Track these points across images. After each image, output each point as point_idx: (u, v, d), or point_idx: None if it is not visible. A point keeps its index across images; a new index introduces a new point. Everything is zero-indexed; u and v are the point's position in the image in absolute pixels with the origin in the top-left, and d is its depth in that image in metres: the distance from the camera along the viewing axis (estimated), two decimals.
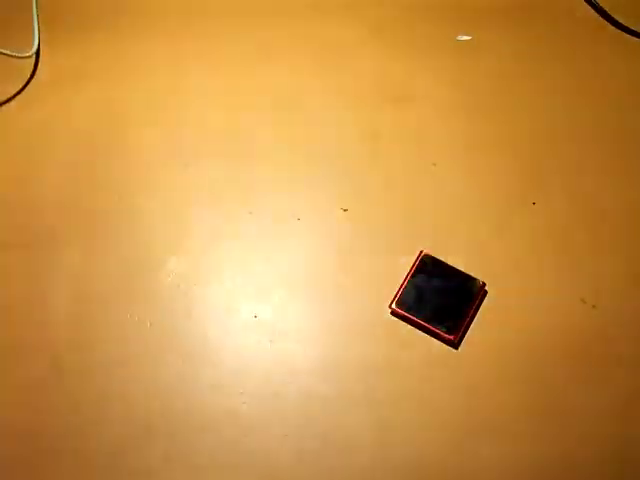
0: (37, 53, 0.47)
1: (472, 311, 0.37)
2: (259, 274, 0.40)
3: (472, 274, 0.38)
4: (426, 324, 0.36)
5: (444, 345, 0.37)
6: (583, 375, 0.37)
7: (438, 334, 0.36)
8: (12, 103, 0.46)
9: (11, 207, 0.42)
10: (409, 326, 0.38)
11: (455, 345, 0.37)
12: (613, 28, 0.48)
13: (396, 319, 0.38)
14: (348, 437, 0.35)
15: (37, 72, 0.47)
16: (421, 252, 0.38)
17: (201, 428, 0.36)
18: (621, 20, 0.48)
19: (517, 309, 0.38)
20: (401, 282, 0.38)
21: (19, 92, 0.46)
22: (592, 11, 0.49)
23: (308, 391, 0.35)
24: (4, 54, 0.45)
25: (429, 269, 0.38)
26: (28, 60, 0.47)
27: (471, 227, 0.41)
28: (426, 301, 0.37)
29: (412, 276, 0.37)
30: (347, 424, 0.36)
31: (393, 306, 0.37)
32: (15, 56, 0.45)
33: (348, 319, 0.38)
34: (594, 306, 0.38)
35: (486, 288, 0.38)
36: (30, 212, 0.42)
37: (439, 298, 0.37)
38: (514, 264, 0.40)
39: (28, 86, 0.47)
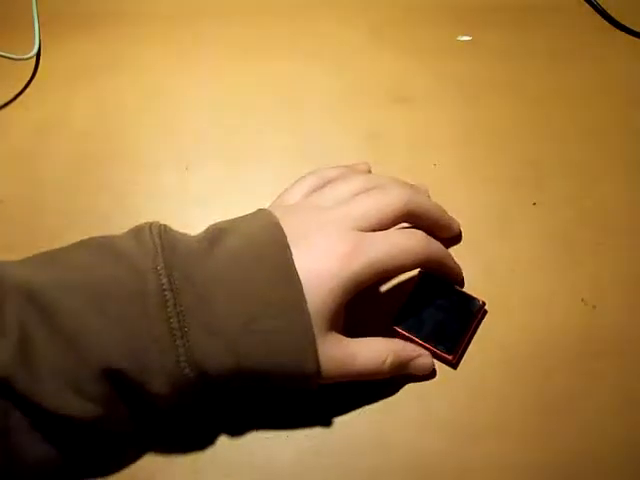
0: (37, 55, 0.47)
1: (471, 332, 0.37)
2: None
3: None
4: (425, 344, 0.36)
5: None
6: (583, 375, 0.37)
7: (437, 354, 0.36)
8: (12, 105, 0.46)
9: (11, 209, 0.43)
10: None
11: (454, 365, 0.37)
12: (613, 28, 0.48)
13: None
14: (348, 437, 0.35)
15: (37, 74, 0.47)
16: (421, 271, 0.37)
17: (201, 428, 0.36)
18: (621, 20, 0.48)
19: (517, 309, 0.38)
20: (402, 299, 0.37)
21: (19, 94, 0.47)
22: (592, 11, 0.49)
23: (308, 391, 0.35)
24: (4, 57, 0.45)
25: (428, 288, 0.37)
26: (28, 62, 0.47)
27: (471, 227, 0.41)
28: (426, 320, 0.36)
29: (411, 294, 0.37)
30: (347, 424, 0.36)
31: (394, 326, 0.36)
32: (15, 58, 0.46)
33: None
34: (594, 306, 0.38)
35: (486, 307, 0.37)
36: (30, 213, 0.42)
37: (438, 317, 0.36)
38: (514, 264, 0.40)
39: (28, 88, 0.47)
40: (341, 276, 0.31)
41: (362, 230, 0.33)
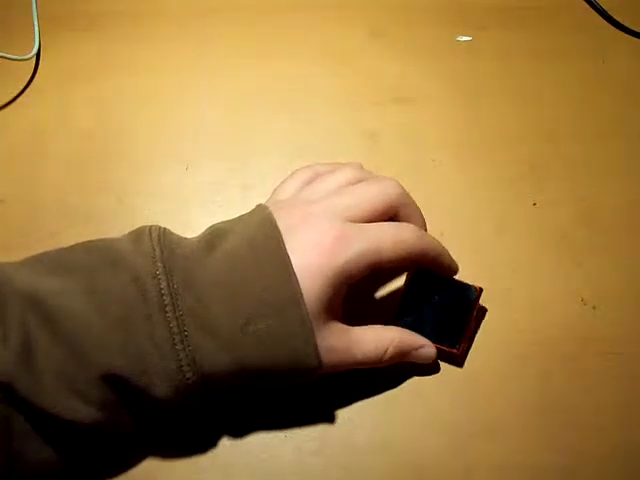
0: (37, 55, 0.47)
1: (473, 321, 0.36)
2: None
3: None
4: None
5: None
6: (583, 375, 0.37)
7: (442, 350, 0.36)
8: (12, 105, 0.46)
9: (10, 209, 0.43)
10: None
11: (460, 358, 0.37)
12: (613, 28, 0.48)
13: None
14: (348, 437, 0.35)
15: (37, 74, 0.47)
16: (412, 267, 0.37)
17: (201, 429, 0.36)
18: (621, 20, 0.48)
19: (516, 310, 0.38)
20: (398, 299, 0.37)
21: (19, 94, 0.46)
22: (592, 11, 0.49)
23: (309, 392, 0.35)
24: (4, 57, 0.45)
25: (423, 283, 0.36)
26: (28, 62, 0.47)
27: (471, 228, 0.41)
28: (425, 317, 0.36)
29: (406, 293, 0.36)
30: (347, 423, 0.36)
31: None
32: (15, 58, 0.46)
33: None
34: (594, 306, 0.38)
35: (482, 294, 0.37)
36: (30, 214, 0.42)
37: (437, 312, 0.36)
38: (514, 264, 0.40)
39: (28, 88, 0.47)
40: (331, 267, 0.31)
41: (353, 220, 0.33)
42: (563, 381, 0.36)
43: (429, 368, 0.36)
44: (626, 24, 0.48)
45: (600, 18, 0.49)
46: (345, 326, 0.33)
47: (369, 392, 0.36)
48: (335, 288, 0.32)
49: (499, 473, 0.35)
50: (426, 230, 0.38)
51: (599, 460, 0.35)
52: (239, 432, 0.35)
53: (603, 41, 0.48)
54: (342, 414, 0.36)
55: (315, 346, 0.31)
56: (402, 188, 0.36)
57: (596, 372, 0.37)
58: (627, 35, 0.48)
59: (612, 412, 0.36)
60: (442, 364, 0.37)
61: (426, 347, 0.35)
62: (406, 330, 0.35)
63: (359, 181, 0.36)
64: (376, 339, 0.34)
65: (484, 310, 0.38)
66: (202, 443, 0.35)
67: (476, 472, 0.35)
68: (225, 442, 0.35)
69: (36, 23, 0.48)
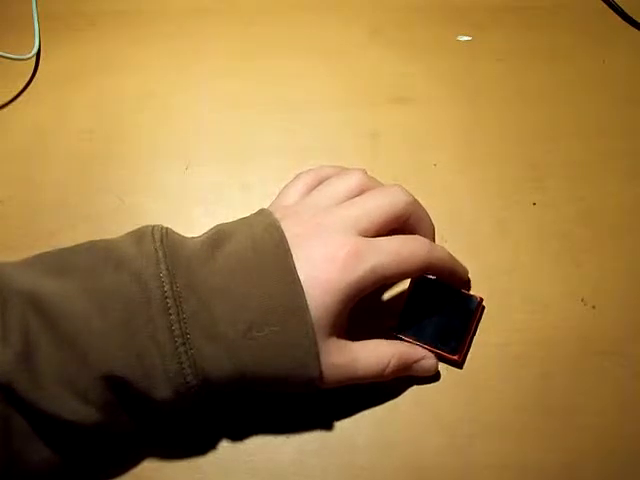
0: (37, 55, 0.47)
1: (472, 330, 0.37)
2: None
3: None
4: (429, 347, 0.36)
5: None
6: (583, 375, 0.37)
7: (442, 356, 0.36)
8: (12, 105, 0.46)
9: (10, 209, 0.43)
10: None
11: (460, 365, 0.37)
12: (614, 28, 0.48)
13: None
14: (348, 438, 0.35)
15: (37, 74, 0.47)
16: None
17: (202, 430, 0.36)
18: (628, 11, 0.48)
19: (516, 310, 0.38)
20: (401, 303, 0.37)
21: (19, 94, 0.46)
22: (592, 11, 0.49)
23: (310, 393, 0.35)
24: (4, 57, 0.45)
25: (425, 291, 0.36)
26: (28, 62, 0.47)
27: (471, 227, 0.41)
28: (426, 324, 0.36)
29: (409, 300, 0.37)
30: (348, 424, 0.36)
31: (396, 334, 0.36)
32: (15, 58, 0.46)
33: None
34: (594, 306, 0.38)
35: (484, 304, 0.37)
36: (30, 214, 0.42)
37: (439, 319, 0.36)
38: (514, 265, 0.40)
39: (28, 88, 0.47)
40: (343, 283, 0.31)
41: (363, 233, 0.33)
42: (563, 381, 0.36)
43: (430, 376, 0.36)
44: (633, 16, 0.48)
45: (600, 18, 0.49)
46: (347, 342, 0.33)
47: (369, 393, 0.36)
48: (344, 304, 0.32)
49: (499, 473, 0.35)
50: (434, 235, 0.38)
51: (599, 460, 0.35)
52: (240, 433, 0.35)
53: (603, 41, 0.48)
54: (343, 415, 0.36)
55: (317, 358, 0.31)
56: (410, 195, 0.35)
57: (596, 372, 0.37)
58: (627, 35, 0.48)
59: (612, 412, 0.36)
60: (442, 365, 0.37)
61: (427, 358, 0.35)
62: (406, 344, 0.35)
63: (365, 189, 0.35)
64: (377, 354, 0.34)
65: (483, 309, 0.38)
66: (202, 444, 0.35)
67: (476, 472, 0.35)
68: (225, 443, 0.35)
69: (36, 23, 0.48)
